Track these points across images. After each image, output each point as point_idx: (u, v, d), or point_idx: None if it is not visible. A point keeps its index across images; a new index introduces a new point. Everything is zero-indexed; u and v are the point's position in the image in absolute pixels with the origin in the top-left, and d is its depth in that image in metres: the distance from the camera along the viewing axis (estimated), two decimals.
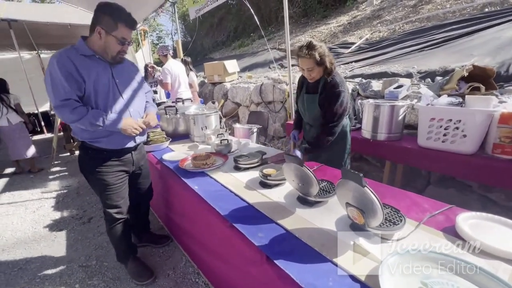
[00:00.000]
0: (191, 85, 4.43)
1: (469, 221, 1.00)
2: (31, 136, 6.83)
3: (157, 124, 1.98)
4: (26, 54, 7.32)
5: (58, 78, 1.36)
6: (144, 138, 1.82)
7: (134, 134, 1.61)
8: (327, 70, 1.69)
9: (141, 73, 1.83)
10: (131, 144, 1.67)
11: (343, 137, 1.87)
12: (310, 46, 1.62)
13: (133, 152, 1.73)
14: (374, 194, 0.87)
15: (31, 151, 4.17)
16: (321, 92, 1.75)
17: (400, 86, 2.40)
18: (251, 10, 4.04)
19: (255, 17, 4.07)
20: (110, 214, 1.69)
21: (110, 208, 1.69)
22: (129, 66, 1.72)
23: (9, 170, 4.38)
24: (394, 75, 3.10)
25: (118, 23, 1.43)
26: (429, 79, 2.81)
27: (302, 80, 1.92)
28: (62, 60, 1.38)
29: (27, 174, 4.17)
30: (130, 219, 1.87)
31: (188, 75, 4.47)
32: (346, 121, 1.85)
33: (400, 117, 2.10)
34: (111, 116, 1.51)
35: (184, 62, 4.67)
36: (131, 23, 1.48)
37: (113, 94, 1.55)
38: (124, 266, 1.92)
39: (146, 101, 1.83)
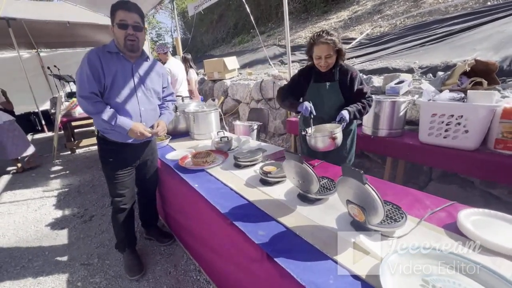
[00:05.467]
0: (188, 82, 4.40)
1: (471, 217, 0.99)
2: (32, 134, 6.89)
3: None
4: (25, 53, 7.27)
5: (85, 73, 1.50)
6: (152, 137, 1.87)
7: (139, 139, 1.69)
8: (342, 54, 1.70)
9: (163, 76, 1.88)
10: (136, 141, 1.73)
11: (352, 136, 1.88)
12: (328, 33, 1.63)
13: (140, 147, 1.80)
14: (375, 191, 0.86)
15: (25, 149, 4.08)
16: (340, 79, 1.73)
17: (401, 82, 2.38)
18: (247, 9, 4.03)
19: (251, 16, 4.06)
20: (115, 202, 1.81)
21: (115, 197, 1.80)
22: (153, 67, 1.77)
23: (10, 168, 4.38)
24: (395, 70, 3.08)
25: (115, 11, 1.53)
26: (430, 74, 2.78)
27: (308, 71, 1.84)
28: (91, 56, 1.52)
29: (29, 172, 4.18)
30: (139, 208, 2.11)
31: (187, 72, 4.44)
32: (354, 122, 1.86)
33: (401, 113, 2.08)
34: (122, 119, 1.59)
35: (184, 59, 4.63)
36: (125, 5, 1.53)
37: (128, 92, 1.64)
38: (122, 256, 1.98)
39: (163, 107, 1.91)
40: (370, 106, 1.75)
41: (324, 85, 1.77)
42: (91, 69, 1.50)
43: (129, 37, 1.54)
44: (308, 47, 1.73)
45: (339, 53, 1.69)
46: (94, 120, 1.68)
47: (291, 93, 1.88)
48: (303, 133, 1.73)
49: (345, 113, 1.64)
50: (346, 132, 1.76)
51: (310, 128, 1.70)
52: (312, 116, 1.66)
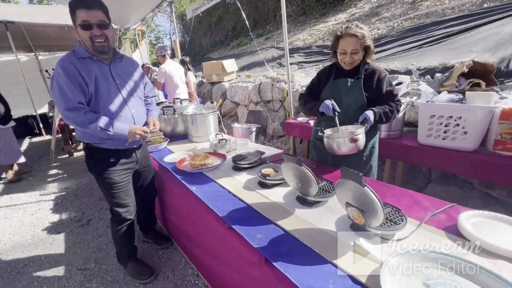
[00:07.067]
0: (187, 85, 4.41)
1: (471, 219, 0.98)
2: (29, 137, 6.85)
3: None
4: (23, 56, 7.27)
5: (65, 84, 1.36)
6: (146, 138, 1.85)
7: (139, 140, 1.63)
8: (370, 52, 1.50)
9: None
10: (135, 144, 1.69)
11: (371, 148, 1.65)
12: (358, 25, 1.44)
13: (136, 151, 1.76)
14: (374, 194, 0.85)
15: (9, 158, 3.86)
16: (365, 78, 1.53)
17: (399, 83, 2.38)
18: (243, 15, 4.07)
19: (247, 22, 4.10)
20: (119, 214, 1.70)
21: (118, 207, 1.70)
22: (129, 64, 1.69)
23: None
24: (394, 72, 3.08)
25: (75, 11, 1.37)
26: (428, 76, 2.79)
27: (329, 69, 1.68)
28: (65, 65, 1.39)
29: (26, 176, 4.13)
30: (136, 214, 1.94)
31: (186, 74, 4.45)
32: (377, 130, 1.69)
33: (400, 115, 2.08)
34: (118, 124, 1.50)
35: (182, 62, 4.65)
36: (84, 3, 1.36)
37: (115, 96, 1.54)
38: (124, 267, 1.92)
39: (148, 104, 1.85)
40: (398, 111, 1.53)
41: (345, 81, 1.56)
42: (70, 78, 1.36)
43: (97, 38, 1.40)
44: (333, 41, 1.54)
45: (367, 51, 1.50)
46: (84, 133, 1.52)
47: (312, 96, 1.72)
48: (319, 133, 1.49)
49: (369, 113, 1.41)
50: (365, 138, 1.47)
51: (330, 129, 1.50)
52: (336, 114, 1.44)
